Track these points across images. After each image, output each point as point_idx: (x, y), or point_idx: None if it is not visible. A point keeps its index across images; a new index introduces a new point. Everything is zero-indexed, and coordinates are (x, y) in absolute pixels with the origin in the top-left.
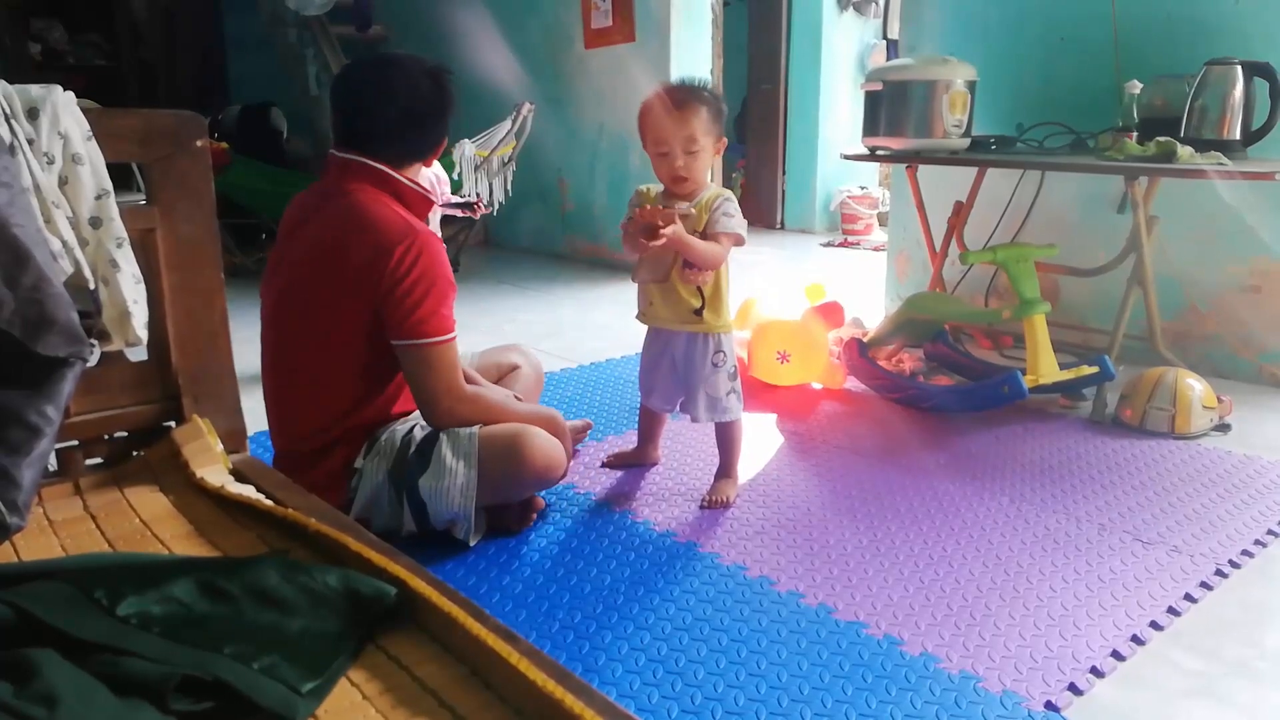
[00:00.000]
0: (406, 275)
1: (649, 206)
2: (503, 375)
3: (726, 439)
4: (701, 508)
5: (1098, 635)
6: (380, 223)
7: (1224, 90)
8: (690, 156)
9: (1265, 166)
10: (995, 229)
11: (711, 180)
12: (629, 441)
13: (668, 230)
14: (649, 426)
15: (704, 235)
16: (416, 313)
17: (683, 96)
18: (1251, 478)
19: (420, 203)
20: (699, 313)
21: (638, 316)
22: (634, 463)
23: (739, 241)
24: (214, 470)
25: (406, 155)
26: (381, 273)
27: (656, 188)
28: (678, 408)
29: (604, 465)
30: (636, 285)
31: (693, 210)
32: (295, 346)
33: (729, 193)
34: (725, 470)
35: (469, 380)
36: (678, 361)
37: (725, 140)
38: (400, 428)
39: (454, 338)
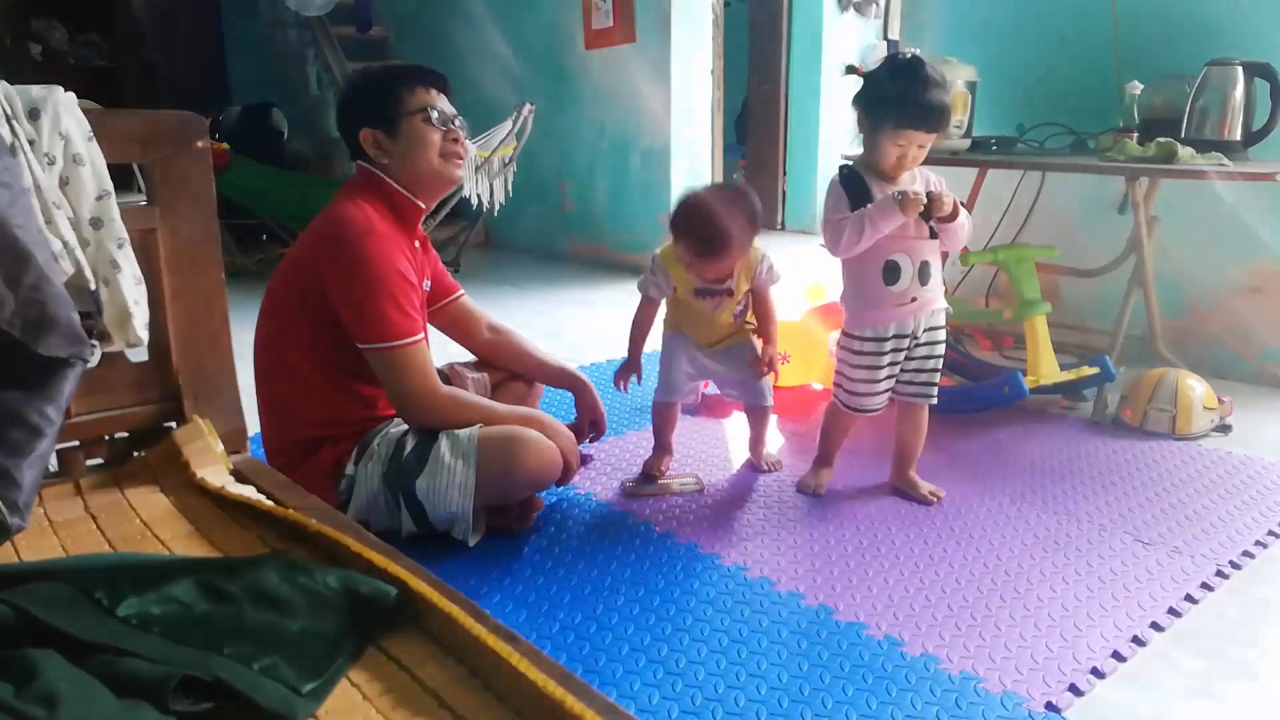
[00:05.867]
0: (345, 275)
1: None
2: (502, 379)
3: (762, 420)
4: (763, 470)
5: (1098, 636)
6: (326, 224)
7: (1224, 91)
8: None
9: (1266, 167)
10: (996, 229)
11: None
12: (629, 442)
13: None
14: (668, 431)
15: (753, 290)
16: (368, 316)
17: (715, 236)
18: (1252, 479)
19: (407, 205)
20: (738, 317)
21: (668, 327)
22: (658, 478)
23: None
24: (214, 471)
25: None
26: (325, 275)
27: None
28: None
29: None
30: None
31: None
32: (275, 348)
33: (762, 250)
34: (759, 440)
35: (450, 381)
36: (707, 356)
37: (759, 227)
38: (394, 430)
39: (418, 340)
